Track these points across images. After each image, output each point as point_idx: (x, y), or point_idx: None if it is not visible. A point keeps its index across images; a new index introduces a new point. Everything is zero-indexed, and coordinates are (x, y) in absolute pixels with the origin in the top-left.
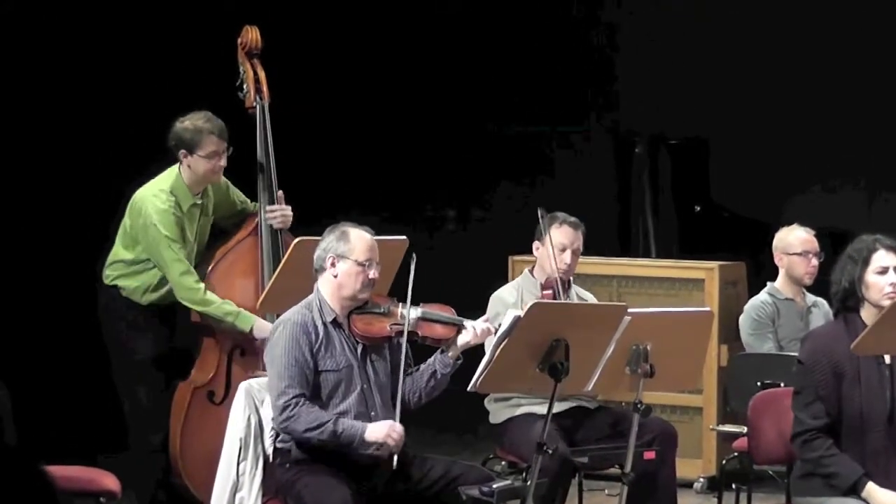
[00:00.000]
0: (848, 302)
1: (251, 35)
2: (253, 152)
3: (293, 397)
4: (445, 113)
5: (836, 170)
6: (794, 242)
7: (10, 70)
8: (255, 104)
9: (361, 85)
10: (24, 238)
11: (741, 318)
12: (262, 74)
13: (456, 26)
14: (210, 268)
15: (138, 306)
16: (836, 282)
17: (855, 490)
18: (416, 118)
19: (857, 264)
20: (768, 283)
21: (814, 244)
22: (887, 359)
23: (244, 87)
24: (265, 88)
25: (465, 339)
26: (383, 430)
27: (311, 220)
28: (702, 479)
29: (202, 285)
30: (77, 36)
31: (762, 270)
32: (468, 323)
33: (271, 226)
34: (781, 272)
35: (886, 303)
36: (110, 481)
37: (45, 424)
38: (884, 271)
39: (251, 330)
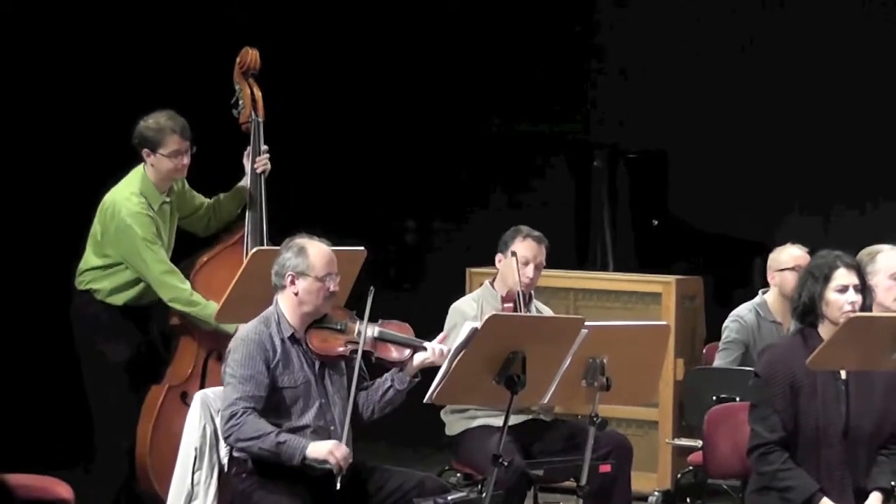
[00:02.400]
0: (807, 318)
1: (251, 56)
2: (240, 167)
3: (242, 408)
4: (409, 125)
5: (795, 185)
6: (786, 259)
7: None
8: (250, 120)
9: (328, 97)
10: None
11: (725, 326)
12: (258, 93)
13: (418, 41)
14: (193, 273)
15: (112, 309)
16: (795, 297)
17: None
18: (379, 130)
19: (817, 281)
20: (759, 293)
21: (806, 260)
22: (843, 374)
23: (240, 103)
24: (260, 106)
25: (422, 358)
26: (325, 448)
27: (276, 232)
28: (657, 493)
29: (188, 285)
30: (69, 44)
31: (721, 285)
32: (427, 344)
33: (255, 237)
34: (775, 290)
35: (844, 321)
36: (63, 490)
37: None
38: (844, 290)
39: (235, 331)
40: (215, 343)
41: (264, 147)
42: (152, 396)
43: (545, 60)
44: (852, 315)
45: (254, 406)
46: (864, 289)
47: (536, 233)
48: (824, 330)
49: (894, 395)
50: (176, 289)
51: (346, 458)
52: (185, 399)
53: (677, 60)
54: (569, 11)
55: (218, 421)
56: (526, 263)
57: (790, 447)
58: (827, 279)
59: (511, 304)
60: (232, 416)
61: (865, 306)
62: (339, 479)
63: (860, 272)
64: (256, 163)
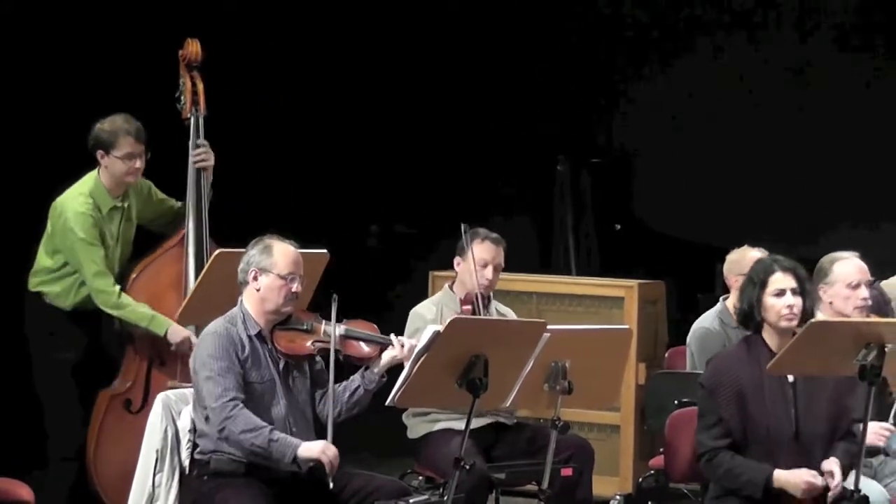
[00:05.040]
0: (749, 324)
1: (192, 48)
2: (185, 162)
3: (231, 399)
4: (373, 130)
5: (755, 190)
6: (746, 261)
7: None
8: (189, 115)
9: (290, 99)
10: None
11: (690, 339)
12: (200, 87)
13: (383, 41)
14: (134, 276)
15: (62, 313)
16: (738, 304)
17: (768, 487)
18: (344, 135)
19: (755, 287)
20: (720, 301)
21: None
22: (790, 377)
23: (182, 98)
24: (202, 100)
25: (390, 355)
26: (318, 448)
27: (235, 235)
28: (618, 497)
29: (117, 288)
30: (15, 41)
31: (682, 289)
32: (395, 339)
33: (196, 235)
34: (735, 294)
35: (784, 324)
36: (24, 492)
37: None
38: (781, 293)
39: (166, 334)
40: (155, 350)
41: (201, 141)
42: (98, 403)
43: (510, 67)
44: (792, 318)
45: (242, 398)
46: (804, 292)
47: (494, 235)
48: (767, 335)
49: (843, 396)
50: (104, 292)
51: (337, 457)
52: (129, 407)
53: (643, 67)
54: (539, 20)
55: (180, 423)
56: (484, 265)
57: (742, 450)
58: (764, 284)
59: (469, 307)
60: (223, 409)
61: (806, 309)
62: (330, 478)
63: (798, 275)
64: (193, 156)
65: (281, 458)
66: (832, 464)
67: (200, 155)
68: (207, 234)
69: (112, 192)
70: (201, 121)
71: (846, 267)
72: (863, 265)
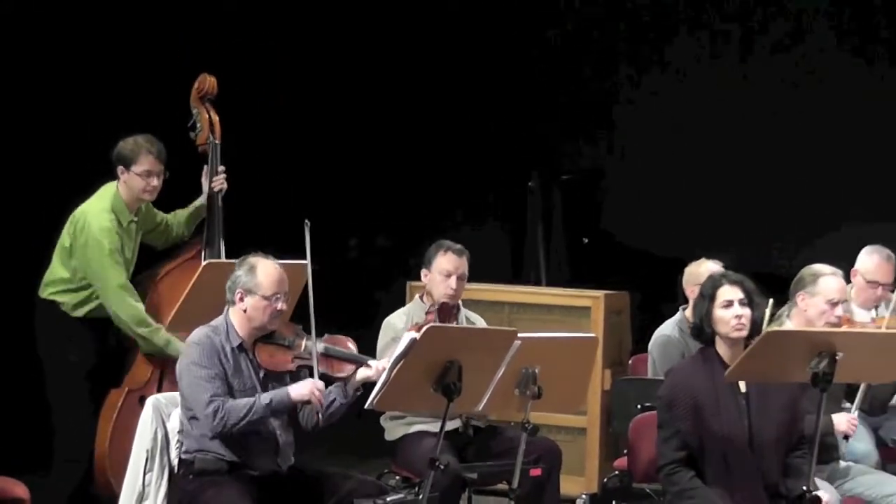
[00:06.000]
0: (703, 336)
1: (208, 82)
2: (198, 188)
3: (220, 401)
4: (352, 151)
5: (714, 206)
6: (703, 273)
7: None
8: (207, 143)
9: (278, 118)
10: None
11: (652, 347)
12: (215, 117)
13: (359, 62)
14: (155, 282)
15: (73, 319)
16: (693, 319)
17: None
18: (326, 156)
19: (705, 300)
20: (680, 311)
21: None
22: (743, 387)
23: (197, 126)
24: (217, 129)
25: (365, 374)
26: (307, 387)
27: (234, 247)
28: (584, 496)
29: (142, 305)
30: (40, 62)
31: (646, 299)
32: (372, 361)
33: (212, 250)
34: (692, 303)
35: (734, 335)
36: (20, 490)
37: None
38: (729, 304)
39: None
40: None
41: (221, 167)
42: (111, 399)
43: (483, 91)
44: (741, 328)
45: (226, 399)
46: (752, 303)
47: (457, 246)
48: (720, 347)
49: (793, 406)
50: (131, 307)
51: (324, 391)
52: (142, 402)
53: (611, 89)
54: (514, 38)
55: (170, 425)
56: (448, 275)
57: (700, 460)
58: (713, 297)
59: (433, 314)
60: (215, 412)
61: (755, 319)
62: (319, 414)
63: (745, 287)
64: (214, 182)
65: (283, 410)
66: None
67: (221, 178)
68: (223, 250)
69: (129, 207)
70: (218, 148)
71: (831, 283)
72: (844, 285)
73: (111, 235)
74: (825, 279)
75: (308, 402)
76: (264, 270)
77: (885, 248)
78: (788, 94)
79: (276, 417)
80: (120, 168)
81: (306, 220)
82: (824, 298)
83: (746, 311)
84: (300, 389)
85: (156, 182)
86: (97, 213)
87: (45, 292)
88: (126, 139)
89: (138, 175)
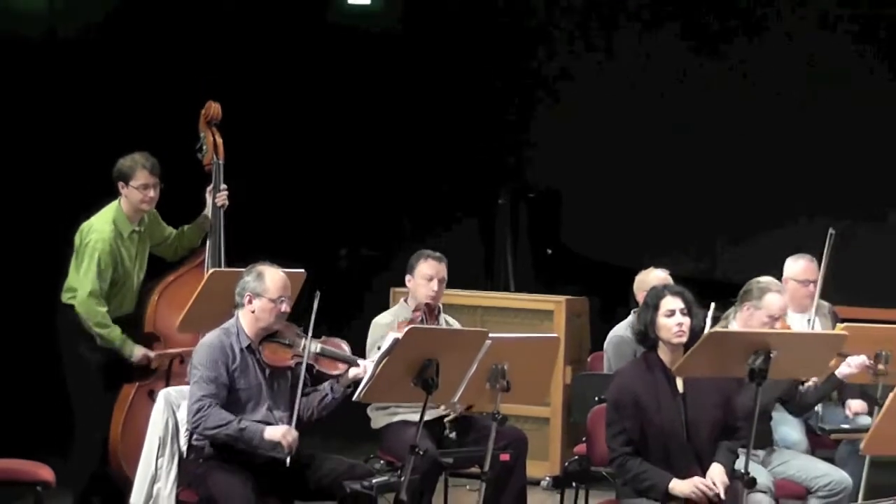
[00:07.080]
0: (646, 342)
1: (213, 108)
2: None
3: (207, 403)
4: (340, 170)
5: (665, 220)
6: (651, 280)
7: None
8: (212, 163)
9: (271, 132)
10: None
11: (607, 346)
12: (219, 140)
13: (348, 87)
14: (161, 288)
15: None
16: (636, 325)
17: (667, 492)
18: (316, 174)
19: (649, 309)
20: (632, 313)
21: (669, 282)
22: (681, 388)
23: (203, 148)
24: (221, 150)
25: (354, 373)
26: (280, 432)
27: (235, 257)
28: (548, 478)
29: (104, 310)
30: (60, 89)
31: (603, 303)
32: (361, 361)
33: (214, 260)
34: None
35: (676, 341)
36: (46, 472)
37: None
38: (671, 314)
39: (132, 354)
40: (179, 351)
41: (223, 185)
42: (124, 394)
43: (461, 106)
44: (682, 335)
45: (217, 402)
46: (691, 312)
47: (437, 253)
48: (662, 352)
49: (724, 404)
50: (95, 311)
51: (296, 440)
52: (151, 396)
53: (571, 112)
54: (484, 60)
55: (179, 415)
56: (430, 279)
57: (643, 452)
58: (657, 307)
59: (419, 313)
60: (199, 410)
61: (694, 327)
62: (287, 457)
63: (686, 298)
64: (217, 198)
65: (249, 442)
66: (715, 474)
67: (224, 195)
68: (224, 260)
69: (131, 218)
70: (221, 167)
71: (775, 301)
72: (786, 302)
73: (104, 246)
74: (770, 296)
75: (279, 443)
76: (271, 276)
77: (805, 253)
78: (732, 100)
79: (246, 444)
80: (120, 184)
81: (317, 291)
82: (767, 313)
83: (686, 320)
84: (274, 432)
85: (152, 193)
86: (99, 224)
87: (65, 297)
88: (124, 158)
89: (136, 188)
